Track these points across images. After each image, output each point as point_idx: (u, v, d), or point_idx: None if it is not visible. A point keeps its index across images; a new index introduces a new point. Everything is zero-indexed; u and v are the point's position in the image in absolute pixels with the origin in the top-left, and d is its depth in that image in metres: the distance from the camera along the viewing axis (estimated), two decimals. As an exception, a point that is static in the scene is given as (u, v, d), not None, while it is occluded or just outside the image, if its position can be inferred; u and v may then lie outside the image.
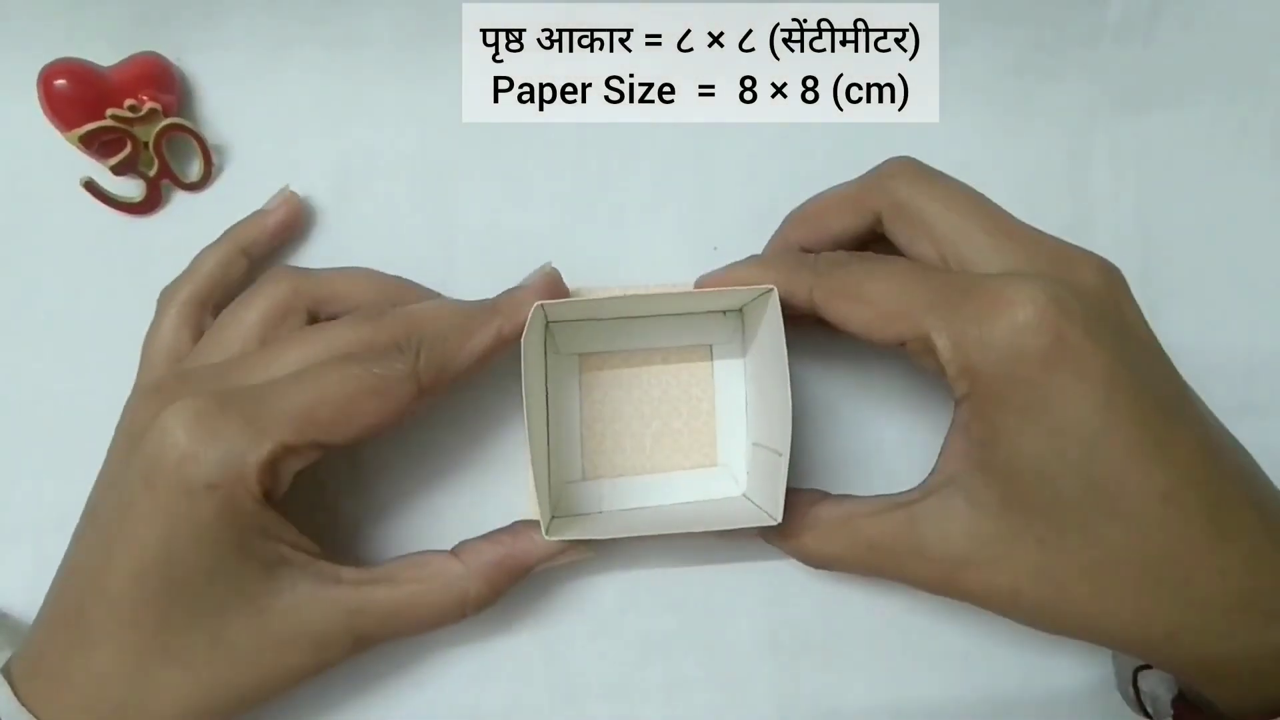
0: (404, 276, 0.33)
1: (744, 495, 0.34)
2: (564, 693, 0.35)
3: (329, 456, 0.28)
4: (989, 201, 0.29)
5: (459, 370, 0.29)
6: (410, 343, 0.28)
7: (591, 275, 0.35)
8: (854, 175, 0.36)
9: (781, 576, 0.35)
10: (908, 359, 0.28)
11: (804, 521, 0.30)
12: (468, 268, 0.35)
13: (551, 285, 0.31)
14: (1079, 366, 0.24)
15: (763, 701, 0.35)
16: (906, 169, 0.30)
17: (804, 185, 0.36)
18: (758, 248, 0.36)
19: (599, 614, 0.35)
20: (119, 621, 0.26)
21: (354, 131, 0.36)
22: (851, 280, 0.28)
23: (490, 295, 0.34)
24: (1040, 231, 0.28)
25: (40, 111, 0.33)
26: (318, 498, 0.33)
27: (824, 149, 0.37)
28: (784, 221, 0.34)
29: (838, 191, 0.32)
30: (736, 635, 0.35)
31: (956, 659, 0.35)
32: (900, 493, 0.29)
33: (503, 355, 0.30)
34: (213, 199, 0.35)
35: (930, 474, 0.28)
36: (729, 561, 0.35)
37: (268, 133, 0.35)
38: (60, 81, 0.32)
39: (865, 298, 0.28)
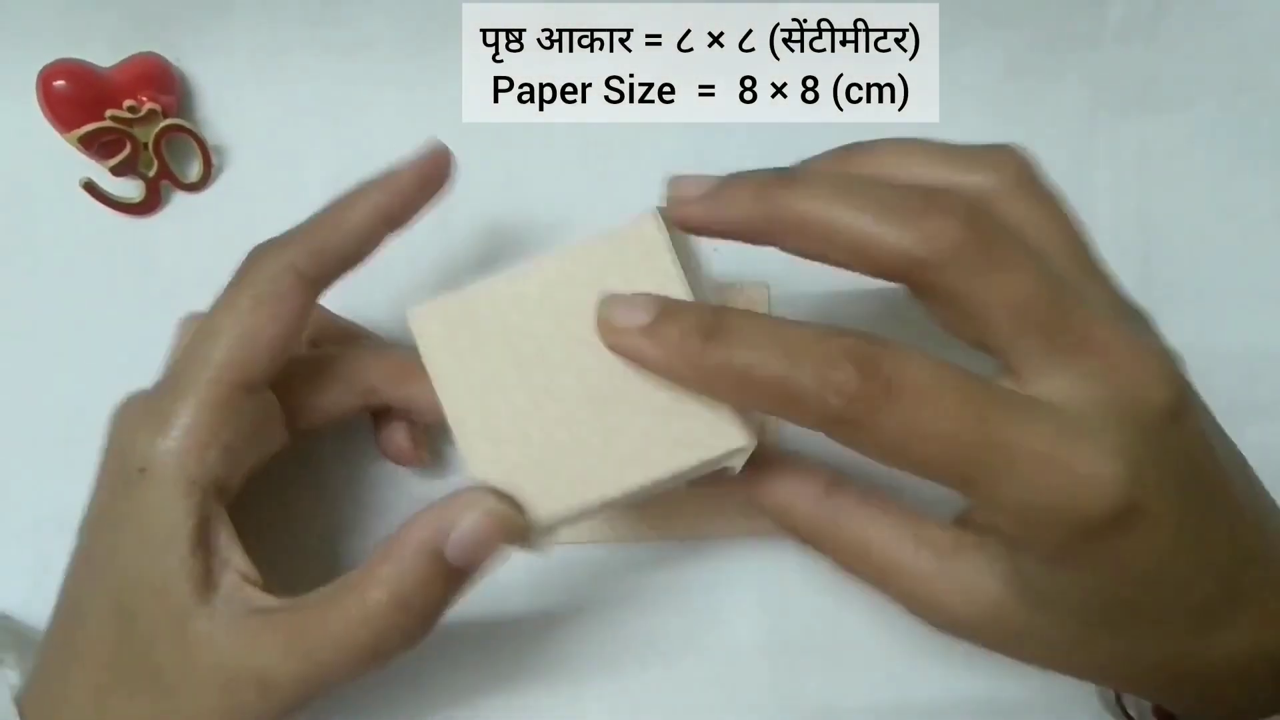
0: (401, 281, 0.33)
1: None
2: (562, 692, 0.35)
3: (262, 407, 0.27)
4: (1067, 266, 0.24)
5: (340, 251, 0.27)
6: (279, 240, 0.27)
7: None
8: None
9: (782, 577, 0.35)
10: None
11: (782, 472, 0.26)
12: (467, 269, 0.35)
13: (438, 164, 0.29)
14: (1149, 527, 0.21)
15: (763, 701, 0.35)
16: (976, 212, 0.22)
17: (804, 185, 0.36)
18: (755, 250, 0.36)
19: (598, 613, 0.35)
20: (85, 650, 0.25)
21: (354, 133, 0.36)
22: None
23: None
24: (1103, 323, 0.22)
25: (39, 112, 0.33)
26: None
27: (824, 149, 0.36)
28: (834, 154, 0.27)
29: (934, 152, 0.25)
30: (736, 635, 0.35)
31: (957, 659, 0.35)
32: (925, 519, 0.25)
33: (389, 235, 0.28)
34: (212, 200, 0.35)
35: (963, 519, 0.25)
36: (729, 561, 0.35)
37: (267, 134, 0.35)
38: (59, 82, 0.32)
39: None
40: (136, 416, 0.26)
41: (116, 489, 0.26)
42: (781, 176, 0.24)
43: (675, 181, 0.25)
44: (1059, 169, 0.37)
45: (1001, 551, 0.23)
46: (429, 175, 0.28)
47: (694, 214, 0.24)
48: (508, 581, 0.35)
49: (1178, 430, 0.22)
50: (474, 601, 0.35)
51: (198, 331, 0.27)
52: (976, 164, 0.24)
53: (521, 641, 0.35)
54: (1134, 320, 0.24)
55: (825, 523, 0.26)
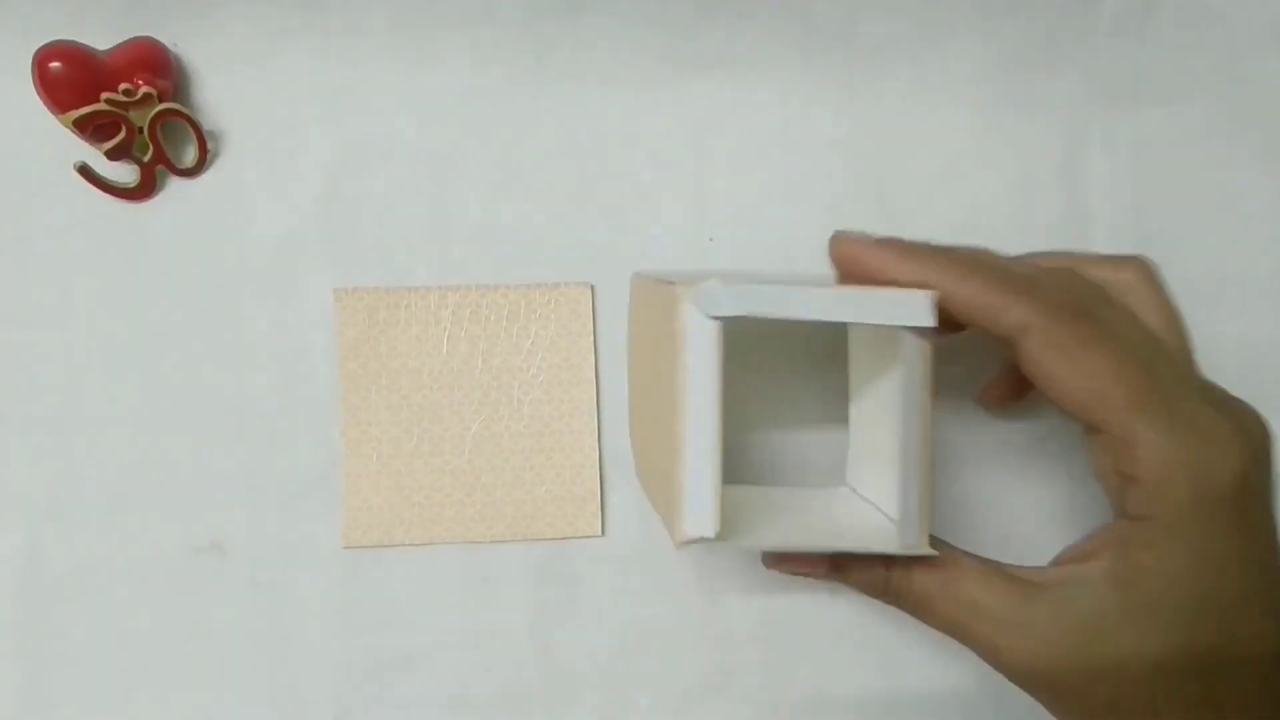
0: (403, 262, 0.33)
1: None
2: (555, 680, 0.35)
3: None
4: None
5: None
6: None
7: (587, 265, 0.35)
8: (847, 166, 0.36)
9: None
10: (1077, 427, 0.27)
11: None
12: (463, 255, 0.35)
13: None
14: (1247, 517, 0.25)
15: (755, 690, 0.36)
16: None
17: (799, 178, 0.36)
18: (752, 239, 0.36)
19: (591, 601, 0.35)
20: None
21: (350, 118, 0.35)
22: (1086, 336, 0.26)
23: (485, 282, 0.34)
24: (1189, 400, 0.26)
25: (35, 94, 0.32)
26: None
27: (821, 141, 0.37)
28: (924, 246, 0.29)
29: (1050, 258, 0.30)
30: (729, 623, 0.36)
31: (949, 647, 0.35)
32: (1021, 566, 0.28)
33: None
34: (207, 185, 0.35)
35: (1057, 563, 0.28)
36: (720, 550, 0.35)
37: (264, 119, 0.35)
38: (55, 64, 0.32)
39: (1088, 367, 0.26)
40: None
41: None
42: (930, 251, 0.28)
43: (841, 232, 0.30)
44: (1053, 162, 0.37)
45: (1092, 578, 0.26)
46: None
47: (849, 251, 0.29)
48: (501, 574, 0.35)
49: (1266, 463, 0.26)
50: (467, 596, 0.35)
51: None
52: (1119, 265, 0.30)
53: (512, 630, 0.35)
54: (1220, 403, 0.27)
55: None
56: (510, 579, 0.35)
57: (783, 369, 0.36)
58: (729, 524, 0.26)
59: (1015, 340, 0.26)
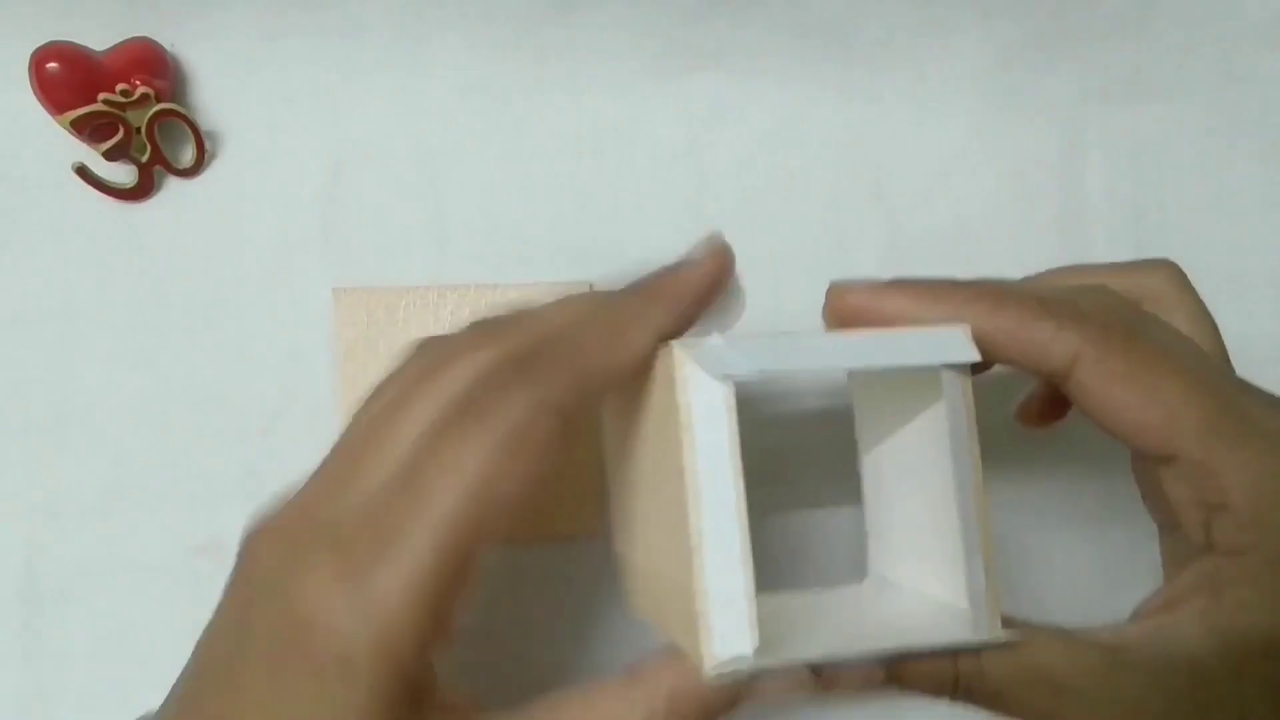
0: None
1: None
2: (555, 680, 0.35)
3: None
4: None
5: (606, 384, 0.23)
6: (538, 362, 0.22)
7: (587, 265, 0.35)
8: (846, 165, 0.36)
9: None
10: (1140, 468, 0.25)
11: None
12: (461, 257, 0.35)
13: (721, 264, 0.25)
14: None
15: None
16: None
17: (799, 177, 0.36)
18: (752, 239, 0.36)
19: (591, 606, 0.35)
20: None
21: (348, 119, 0.35)
22: (1146, 359, 0.23)
23: (485, 281, 0.34)
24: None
25: (32, 95, 0.32)
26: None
27: (820, 139, 0.37)
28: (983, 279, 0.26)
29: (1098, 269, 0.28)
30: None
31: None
32: (1096, 628, 0.24)
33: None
34: (205, 186, 0.35)
35: (1137, 618, 0.24)
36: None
37: (261, 120, 0.35)
38: (52, 65, 0.32)
39: (1153, 393, 0.23)
40: (323, 581, 0.20)
41: (281, 671, 0.20)
42: (950, 285, 0.25)
43: (839, 283, 0.26)
44: (1051, 159, 0.37)
45: (1183, 629, 0.23)
46: (715, 282, 0.25)
47: (856, 303, 0.25)
48: (501, 574, 0.35)
49: None
50: (468, 596, 0.35)
51: (426, 470, 0.21)
52: (1148, 271, 0.28)
53: (512, 632, 0.35)
54: None
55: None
56: (510, 579, 0.35)
57: (779, 448, 0.35)
58: (764, 636, 0.21)
59: (1066, 373, 0.23)
